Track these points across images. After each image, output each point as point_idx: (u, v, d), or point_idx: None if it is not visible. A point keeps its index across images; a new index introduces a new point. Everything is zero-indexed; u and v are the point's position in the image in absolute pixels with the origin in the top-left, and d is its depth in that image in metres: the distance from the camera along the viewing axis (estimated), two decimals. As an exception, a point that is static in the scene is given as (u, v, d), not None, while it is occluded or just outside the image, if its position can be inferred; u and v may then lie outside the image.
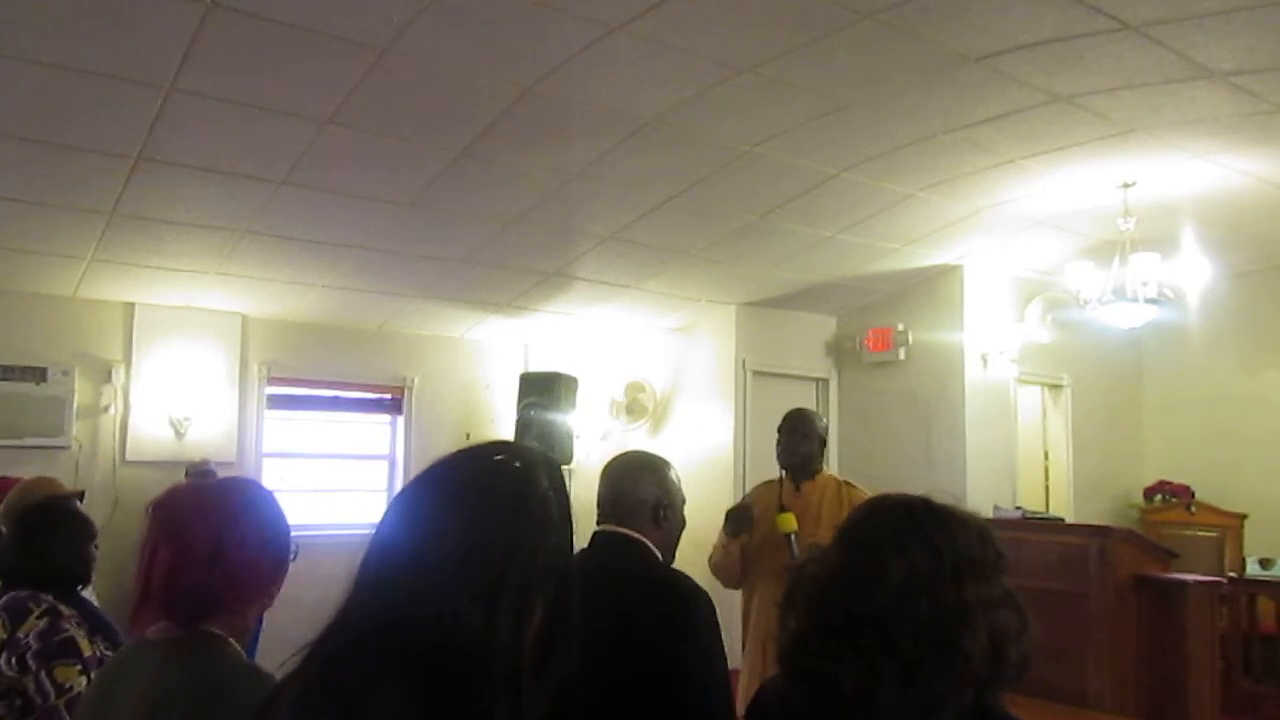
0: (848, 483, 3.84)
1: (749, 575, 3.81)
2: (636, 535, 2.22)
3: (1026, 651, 1.29)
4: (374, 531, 1.18)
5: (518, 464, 1.20)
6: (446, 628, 1.07)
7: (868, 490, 3.76)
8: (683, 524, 2.34)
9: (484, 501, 1.15)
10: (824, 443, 3.86)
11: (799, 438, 3.81)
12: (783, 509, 3.71)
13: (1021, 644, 1.29)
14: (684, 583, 2.17)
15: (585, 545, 2.27)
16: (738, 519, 3.68)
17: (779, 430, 3.92)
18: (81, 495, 3.39)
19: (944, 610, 1.25)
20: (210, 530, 1.54)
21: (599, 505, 2.29)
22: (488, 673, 1.09)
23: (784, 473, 3.88)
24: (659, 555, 2.25)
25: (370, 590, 1.13)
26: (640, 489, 2.24)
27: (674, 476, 2.33)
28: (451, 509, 1.15)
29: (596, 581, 2.11)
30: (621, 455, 2.39)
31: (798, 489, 3.79)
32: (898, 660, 1.23)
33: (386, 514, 1.19)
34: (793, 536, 3.50)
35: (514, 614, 1.11)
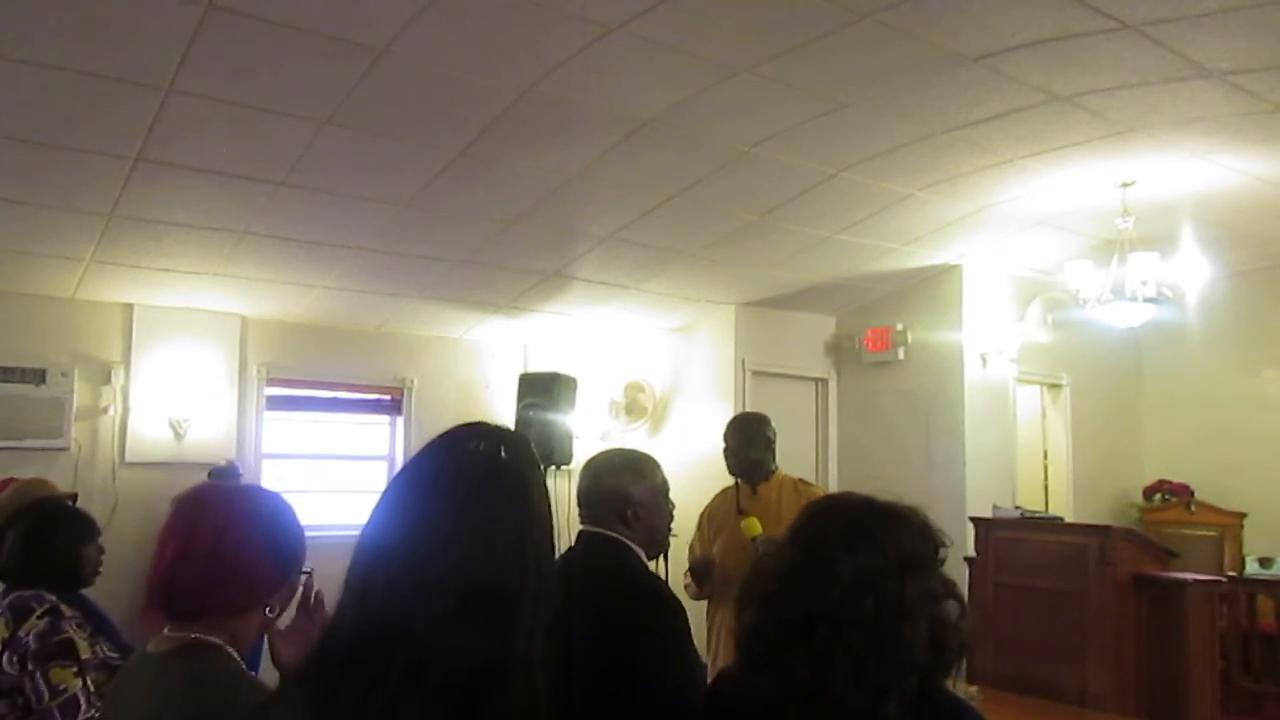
0: (802, 480, 3.89)
1: (716, 580, 3.80)
2: (616, 536, 2.20)
3: (965, 639, 1.40)
4: (364, 535, 1.14)
5: (502, 452, 1.17)
6: (452, 647, 1.03)
7: (823, 488, 3.87)
8: (666, 516, 2.33)
9: (486, 506, 1.11)
10: (770, 443, 3.89)
11: (746, 442, 3.86)
12: (742, 513, 3.73)
13: (961, 631, 1.40)
14: (655, 588, 2.17)
15: (573, 545, 2.28)
16: (702, 573, 3.72)
17: (725, 438, 3.94)
18: (75, 497, 3.39)
19: (887, 605, 1.35)
20: (214, 527, 1.55)
21: (578, 504, 2.29)
22: (515, 695, 1.05)
23: (736, 478, 3.91)
24: (641, 553, 2.24)
25: (360, 599, 1.09)
26: (611, 491, 2.23)
27: (649, 472, 2.30)
28: (450, 512, 1.11)
29: (581, 582, 2.13)
30: (599, 454, 2.38)
31: (754, 492, 3.82)
32: (848, 653, 1.33)
33: (374, 516, 1.15)
34: (757, 540, 3.49)
35: (531, 628, 1.08)
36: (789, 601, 1.40)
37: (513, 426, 6.32)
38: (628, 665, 1.96)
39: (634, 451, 2.43)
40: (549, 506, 1.19)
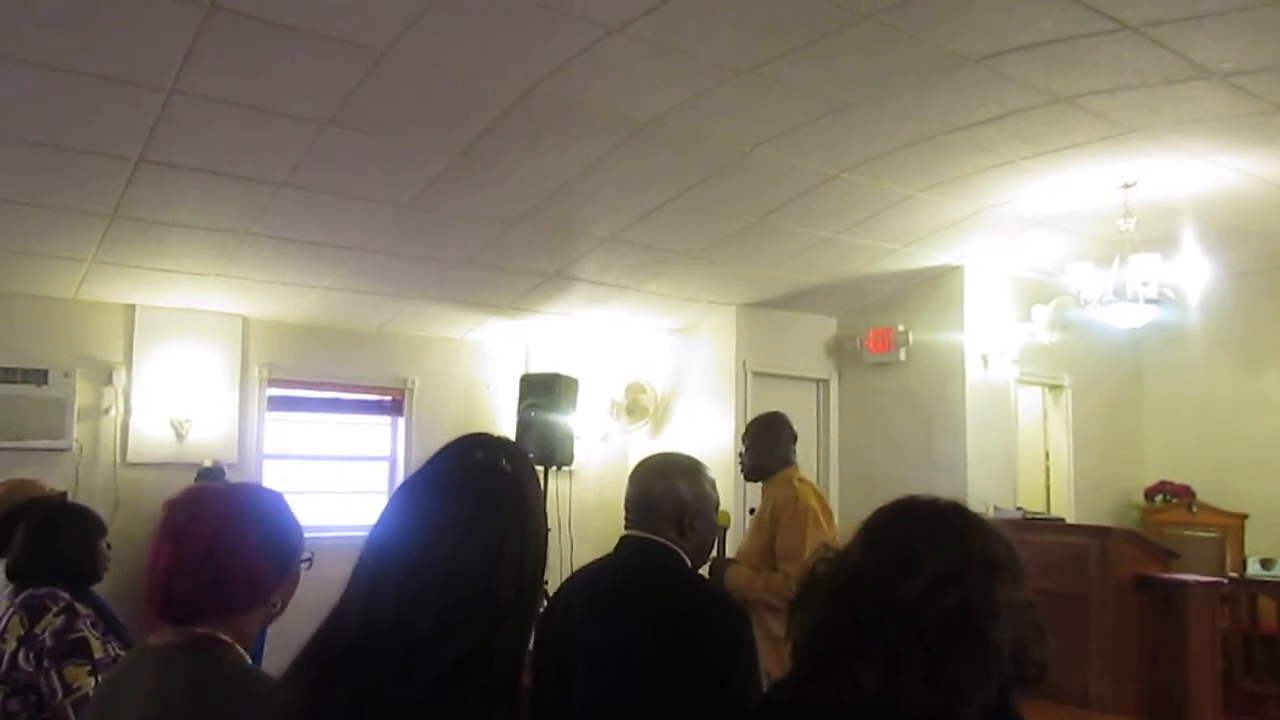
0: (792, 481, 3.85)
1: None
2: (667, 543, 2.13)
3: (1046, 659, 1.31)
4: (373, 534, 1.21)
5: (504, 463, 1.25)
6: (450, 640, 1.11)
7: (814, 486, 3.95)
8: (715, 527, 2.25)
9: (491, 517, 1.19)
10: (768, 444, 3.93)
11: (745, 444, 4.00)
12: (751, 512, 3.98)
13: (1042, 651, 1.30)
14: (728, 599, 2.12)
15: (614, 550, 2.22)
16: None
17: None
18: (64, 496, 3.38)
19: (974, 603, 1.25)
20: (208, 530, 1.55)
21: (626, 508, 2.21)
22: (490, 685, 1.13)
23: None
24: (690, 563, 2.16)
25: (368, 594, 1.16)
26: (667, 498, 2.14)
27: (705, 480, 2.23)
28: (459, 522, 1.18)
29: (633, 589, 2.09)
30: (651, 458, 2.30)
31: (764, 494, 3.97)
32: (924, 650, 1.22)
33: (385, 517, 1.22)
34: (719, 531, 3.63)
35: (519, 629, 1.17)
36: (864, 601, 1.29)
37: (514, 427, 6.37)
38: (716, 684, 1.90)
39: (688, 457, 2.32)
40: (544, 514, 1.28)
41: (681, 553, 2.13)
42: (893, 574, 1.29)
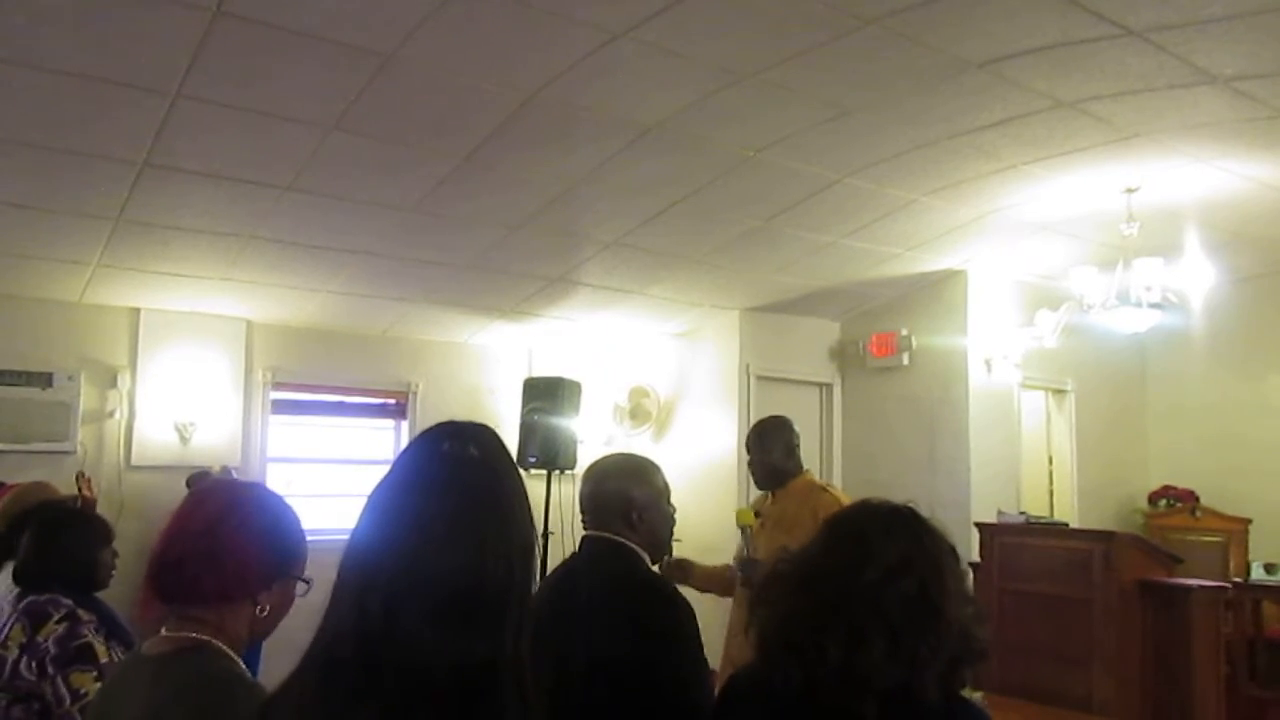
0: (823, 487, 3.88)
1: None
2: (620, 540, 2.24)
3: (985, 648, 1.45)
4: (355, 538, 1.19)
5: (472, 449, 1.20)
6: (454, 642, 1.09)
7: (841, 492, 3.96)
8: (668, 519, 2.36)
9: (472, 512, 1.16)
10: (783, 449, 3.86)
11: (751, 452, 3.93)
12: (759, 515, 3.86)
13: (984, 630, 1.45)
14: (664, 591, 2.20)
15: (577, 550, 2.35)
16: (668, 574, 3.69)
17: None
18: (76, 500, 3.40)
19: (929, 586, 1.40)
20: (215, 509, 1.60)
21: (581, 508, 2.33)
22: (507, 690, 1.11)
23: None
24: (645, 556, 2.28)
25: (359, 602, 1.12)
26: (613, 495, 2.26)
27: (651, 476, 2.34)
28: (441, 519, 1.15)
29: (588, 588, 2.16)
30: (600, 459, 2.43)
31: (774, 498, 3.89)
32: (886, 626, 1.36)
33: (365, 520, 1.20)
34: (747, 530, 3.67)
35: (518, 625, 1.14)
36: (824, 584, 1.42)
37: (517, 431, 6.37)
38: (640, 671, 1.98)
39: (635, 455, 2.48)
40: (524, 498, 1.22)
41: (634, 545, 2.26)
42: (854, 562, 1.42)
